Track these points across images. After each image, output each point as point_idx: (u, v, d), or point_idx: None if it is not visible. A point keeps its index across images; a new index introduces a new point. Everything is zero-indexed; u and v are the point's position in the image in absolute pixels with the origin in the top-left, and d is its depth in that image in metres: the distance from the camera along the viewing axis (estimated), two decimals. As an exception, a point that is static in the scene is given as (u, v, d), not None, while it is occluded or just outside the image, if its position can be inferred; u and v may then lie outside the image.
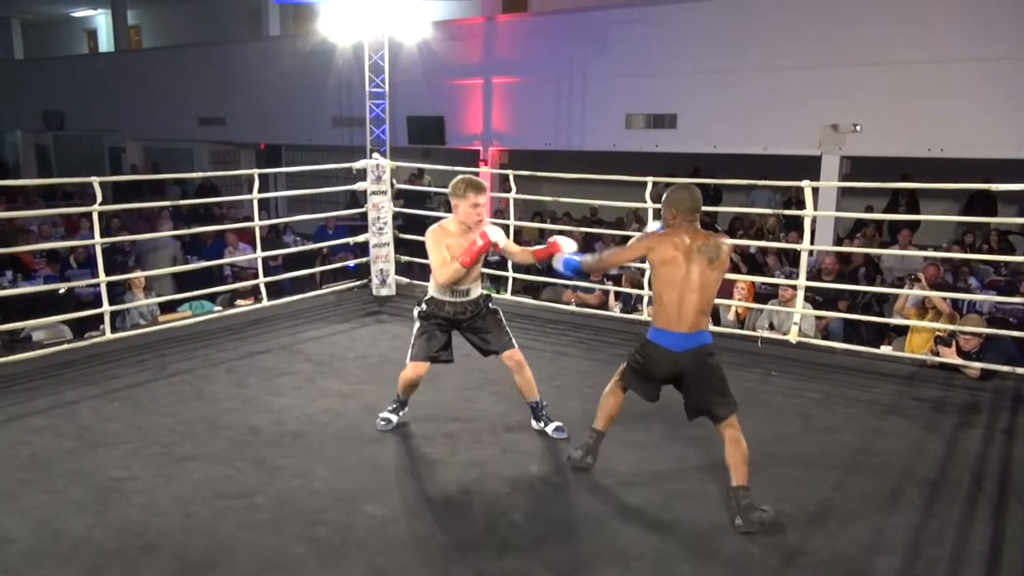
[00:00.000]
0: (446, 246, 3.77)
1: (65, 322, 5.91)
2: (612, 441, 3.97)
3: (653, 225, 3.68)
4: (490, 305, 4.04)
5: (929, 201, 10.28)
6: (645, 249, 3.32)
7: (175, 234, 9.29)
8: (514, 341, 4.01)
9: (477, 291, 3.98)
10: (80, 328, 6.02)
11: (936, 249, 8.51)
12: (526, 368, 4.00)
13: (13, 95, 19.25)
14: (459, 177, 3.88)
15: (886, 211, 9.92)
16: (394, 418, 4.14)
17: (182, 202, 7.97)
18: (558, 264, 3.65)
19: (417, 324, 3.96)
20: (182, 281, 7.97)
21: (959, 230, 9.55)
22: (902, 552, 3.01)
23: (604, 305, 6.85)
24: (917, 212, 9.81)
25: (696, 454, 3.84)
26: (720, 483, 3.53)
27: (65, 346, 5.30)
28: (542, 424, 4.06)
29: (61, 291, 6.67)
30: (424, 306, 3.97)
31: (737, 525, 3.13)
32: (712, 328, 6.09)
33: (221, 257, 8.60)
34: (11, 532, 3.05)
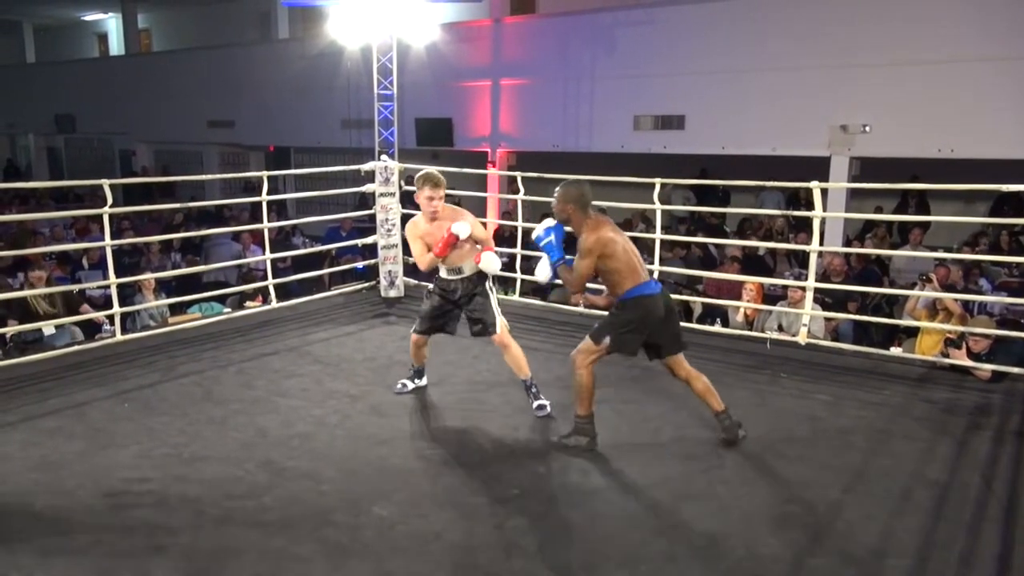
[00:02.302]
0: (421, 236, 4.28)
1: (76, 323, 5.94)
2: (619, 443, 3.97)
3: (547, 221, 3.92)
4: (487, 285, 4.36)
5: (939, 202, 10.22)
6: (598, 256, 3.72)
7: (183, 236, 9.35)
8: (497, 326, 4.29)
9: (469, 268, 4.33)
10: (90, 330, 6.06)
11: (947, 251, 8.47)
12: (512, 348, 4.33)
13: (25, 98, 19.39)
14: (420, 173, 4.29)
15: (896, 212, 9.88)
16: (410, 384, 4.66)
17: (192, 204, 8.01)
18: (536, 231, 3.90)
19: (424, 300, 4.47)
20: (194, 281, 8.00)
21: (972, 232, 9.49)
22: (912, 555, 2.99)
23: (612, 307, 6.83)
24: (927, 213, 9.75)
25: (703, 457, 3.83)
26: (728, 485, 3.53)
27: (76, 347, 5.33)
28: (531, 401, 4.32)
29: (74, 292, 6.70)
30: (431, 284, 4.47)
31: (723, 439, 3.87)
32: (721, 329, 6.14)
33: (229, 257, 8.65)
34: (23, 533, 3.07)
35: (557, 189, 3.85)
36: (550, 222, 3.87)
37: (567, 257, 3.86)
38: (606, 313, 3.95)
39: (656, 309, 3.74)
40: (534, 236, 3.90)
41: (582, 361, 3.81)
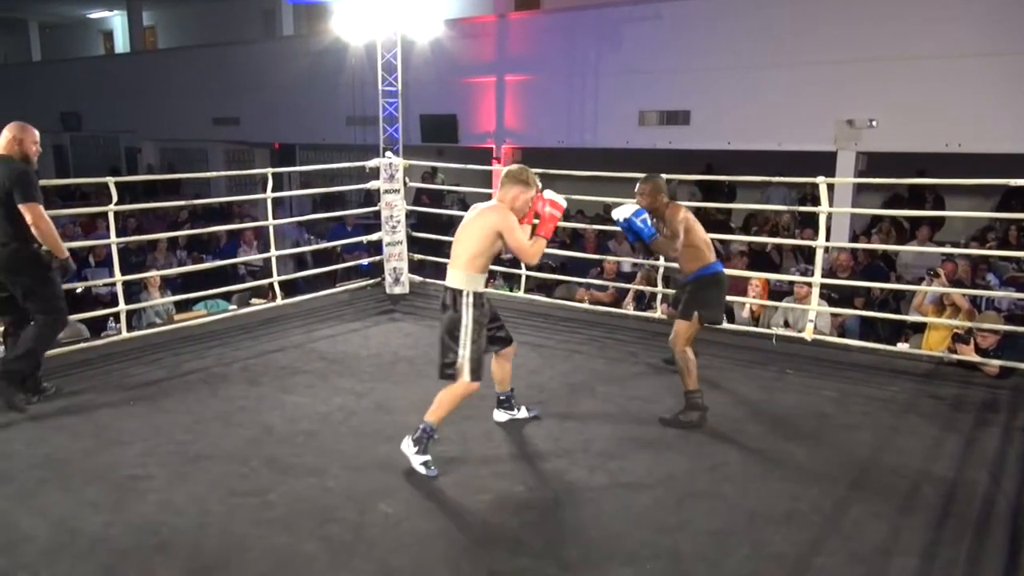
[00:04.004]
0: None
1: (82, 321, 5.95)
2: (625, 441, 3.97)
3: (630, 206, 4.21)
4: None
5: (950, 198, 10.17)
6: (686, 223, 4.17)
7: (188, 234, 9.37)
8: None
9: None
10: (97, 327, 6.08)
11: (955, 246, 8.41)
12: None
13: (31, 96, 19.44)
14: (523, 166, 3.83)
15: (904, 207, 9.82)
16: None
17: (198, 201, 8.01)
18: (624, 214, 4.14)
19: (471, 326, 3.60)
20: (199, 278, 8.02)
21: (980, 227, 9.44)
22: (919, 553, 2.98)
23: (617, 303, 6.83)
24: (943, 209, 9.69)
25: (709, 454, 3.82)
26: (733, 482, 3.52)
27: (82, 345, 5.35)
28: (514, 412, 4.19)
29: (78, 290, 6.72)
30: (475, 306, 3.61)
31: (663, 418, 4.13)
32: (727, 325, 6.12)
33: (235, 256, 8.66)
34: (29, 530, 3.08)
35: (642, 183, 4.31)
36: (627, 208, 4.17)
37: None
38: (611, 309, 4.17)
39: (726, 281, 4.37)
40: (624, 217, 4.15)
41: (681, 343, 4.17)
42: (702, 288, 4.23)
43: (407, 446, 3.60)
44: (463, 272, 3.61)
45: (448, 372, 3.63)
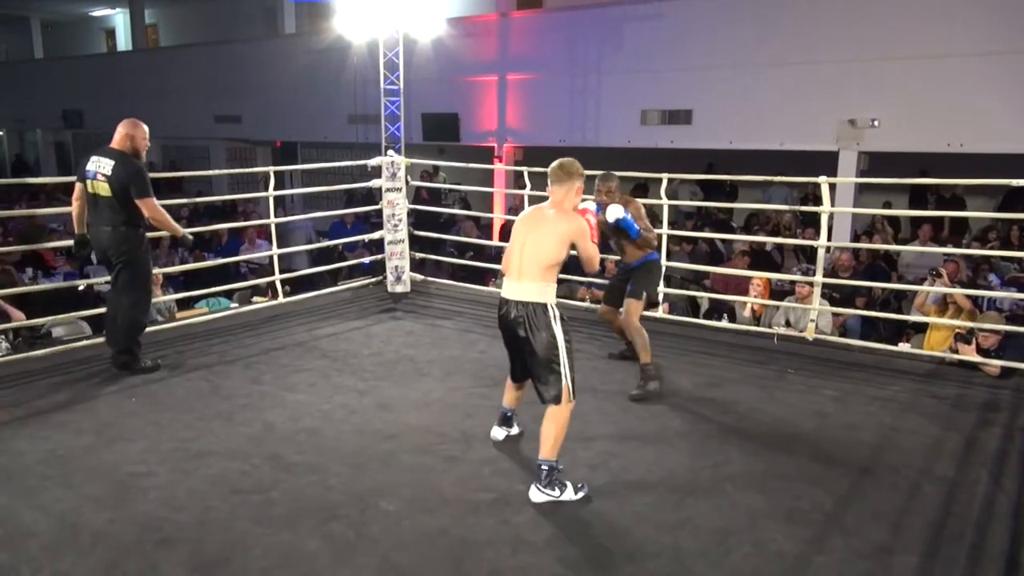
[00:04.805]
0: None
1: (84, 318, 5.97)
2: (627, 439, 3.97)
3: (617, 208, 4.45)
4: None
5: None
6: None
7: (194, 231, 9.37)
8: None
9: None
10: (99, 324, 6.08)
11: (957, 246, 8.41)
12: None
13: (33, 94, 19.46)
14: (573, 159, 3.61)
15: (908, 207, 9.82)
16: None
17: (200, 200, 8.03)
18: (618, 214, 4.39)
19: (564, 344, 3.35)
20: (201, 276, 8.04)
21: (983, 227, 9.44)
22: (920, 551, 2.98)
23: (636, 269, 6.79)
24: (961, 209, 9.67)
25: (710, 452, 3.83)
26: (734, 480, 3.52)
27: (84, 342, 5.36)
28: (512, 429, 3.95)
29: (80, 287, 6.73)
30: (562, 319, 3.38)
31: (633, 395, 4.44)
32: (728, 325, 6.12)
33: (237, 253, 8.67)
34: (31, 526, 3.09)
35: (605, 180, 4.70)
36: (620, 208, 4.43)
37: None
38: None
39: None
40: (615, 218, 4.40)
41: (635, 319, 4.60)
42: (649, 272, 4.81)
43: (542, 496, 3.28)
44: (539, 284, 3.35)
45: (553, 395, 3.34)
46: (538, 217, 3.49)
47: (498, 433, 3.93)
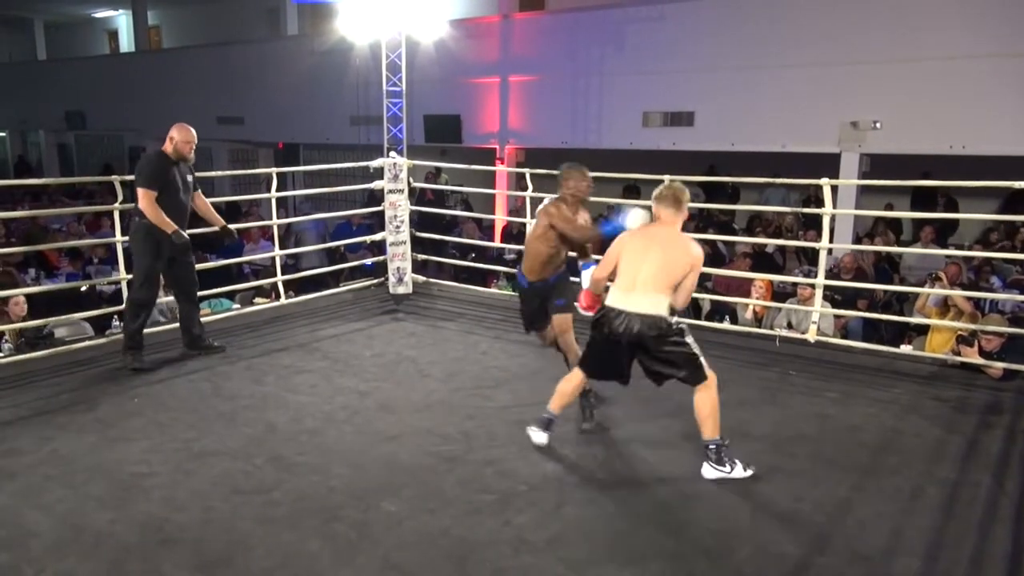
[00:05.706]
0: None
1: (87, 319, 5.98)
2: (629, 440, 3.97)
3: (640, 211, 3.93)
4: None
5: (959, 199, 10.14)
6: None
7: (202, 231, 9.39)
8: None
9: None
10: (101, 325, 6.09)
11: (959, 248, 8.40)
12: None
13: (36, 95, 19.48)
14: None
15: (909, 209, 9.81)
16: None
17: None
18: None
19: (690, 338, 3.63)
20: (203, 277, 8.04)
21: (984, 229, 9.43)
22: (922, 553, 2.98)
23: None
24: (955, 212, 9.65)
25: (713, 453, 3.82)
26: (736, 483, 3.52)
27: (86, 343, 5.36)
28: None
29: (83, 288, 6.75)
30: (688, 331, 3.67)
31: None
32: (730, 327, 6.12)
33: (240, 254, 8.68)
34: (34, 526, 3.09)
35: (585, 173, 4.47)
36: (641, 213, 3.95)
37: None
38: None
39: None
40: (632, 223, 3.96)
41: (571, 332, 4.29)
42: (567, 282, 4.41)
43: (715, 473, 3.50)
44: (663, 296, 3.55)
45: (697, 376, 3.55)
46: (665, 237, 3.62)
47: (540, 438, 3.85)
